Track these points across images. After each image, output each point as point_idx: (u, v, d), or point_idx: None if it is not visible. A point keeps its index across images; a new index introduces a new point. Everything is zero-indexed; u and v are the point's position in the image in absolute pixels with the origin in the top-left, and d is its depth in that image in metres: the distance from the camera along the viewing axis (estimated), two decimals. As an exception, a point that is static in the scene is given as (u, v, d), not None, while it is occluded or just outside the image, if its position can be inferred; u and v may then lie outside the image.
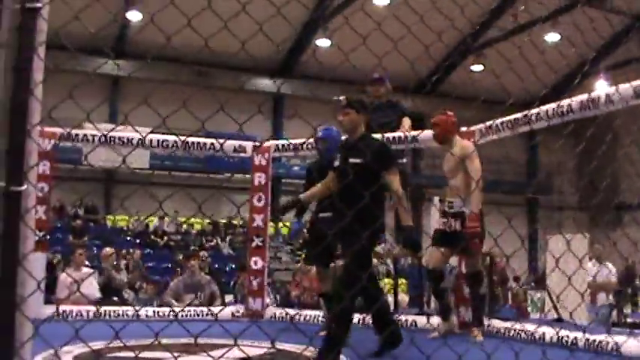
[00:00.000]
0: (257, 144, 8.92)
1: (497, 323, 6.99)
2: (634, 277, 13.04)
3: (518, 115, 6.82)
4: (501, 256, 12.91)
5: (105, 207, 23.32)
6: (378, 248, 8.66)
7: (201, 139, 8.82)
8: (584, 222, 24.90)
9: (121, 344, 4.38)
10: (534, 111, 6.62)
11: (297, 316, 8.32)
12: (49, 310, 7.52)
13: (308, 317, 8.25)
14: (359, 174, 4.73)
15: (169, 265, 18.43)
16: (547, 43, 21.61)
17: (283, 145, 9.02)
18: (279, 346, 5.55)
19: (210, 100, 19.51)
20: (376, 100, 8.26)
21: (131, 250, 16.78)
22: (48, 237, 8.22)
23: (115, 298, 9.69)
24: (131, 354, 4.24)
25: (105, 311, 7.91)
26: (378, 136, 6.35)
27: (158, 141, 8.51)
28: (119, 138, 8.38)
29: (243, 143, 8.83)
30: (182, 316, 8.18)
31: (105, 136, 8.38)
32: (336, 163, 5.38)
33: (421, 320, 7.62)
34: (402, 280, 12.90)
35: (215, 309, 8.59)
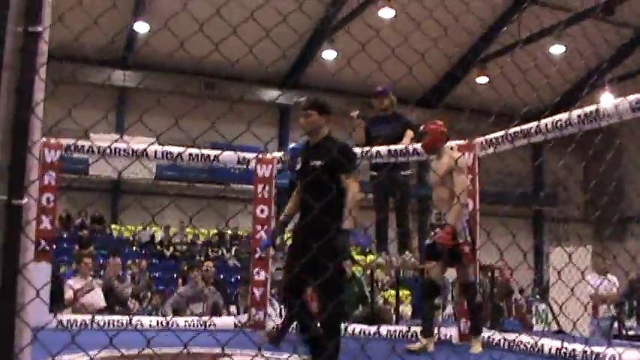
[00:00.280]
0: (260, 155, 9.00)
1: (497, 335, 7.05)
2: (638, 290, 13.05)
3: (517, 128, 6.87)
4: (505, 268, 12.94)
5: (111, 217, 23.45)
6: (380, 260, 8.74)
7: (205, 151, 8.88)
8: (589, 234, 24.90)
9: (120, 353, 4.47)
10: (533, 124, 6.67)
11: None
12: (54, 319, 7.63)
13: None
14: (320, 176, 4.70)
15: (175, 276, 18.51)
16: (552, 56, 21.69)
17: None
18: (276, 355, 5.62)
19: (216, 111, 19.69)
20: (380, 113, 8.36)
21: (137, 260, 16.87)
22: (54, 247, 8.31)
23: (118, 308, 9.75)
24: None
25: (108, 320, 7.99)
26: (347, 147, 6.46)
27: (162, 152, 8.60)
28: (124, 149, 8.47)
29: (247, 155, 8.90)
30: (184, 326, 8.24)
31: (110, 148, 8.46)
32: (298, 167, 5.34)
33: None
34: (406, 292, 12.98)
35: (217, 319, 8.67)
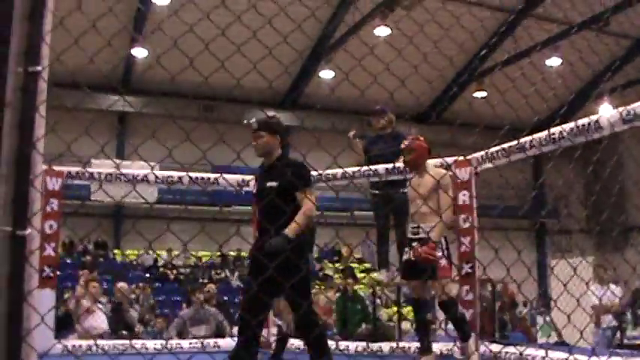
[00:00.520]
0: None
1: (494, 347, 7.12)
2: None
3: (513, 142, 6.95)
4: (509, 282, 12.98)
5: (114, 242, 23.52)
6: (382, 276, 8.81)
7: (203, 174, 8.99)
8: (591, 245, 24.95)
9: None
10: (528, 139, 6.76)
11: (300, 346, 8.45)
12: (59, 344, 7.70)
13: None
14: (277, 197, 4.64)
15: (179, 299, 18.56)
16: (548, 68, 21.83)
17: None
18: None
19: (216, 134, 19.80)
20: (379, 131, 8.45)
21: (141, 285, 16.93)
22: (58, 273, 8.39)
23: (125, 332, 9.84)
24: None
25: (112, 345, 8.07)
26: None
27: (163, 177, 8.71)
28: (125, 175, 8.58)
29: (247, 177, 9.00)
30: (189, 348, 8.32)
31: (110, 175, 8.57)
32: (254, 190, 5.31)
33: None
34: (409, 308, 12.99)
35: (221, 341, 8.74)
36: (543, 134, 6.57)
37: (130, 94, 22.95)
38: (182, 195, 22.52)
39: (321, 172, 8.51)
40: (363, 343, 8.24)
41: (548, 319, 13.55)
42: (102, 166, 8.90)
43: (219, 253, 22.86)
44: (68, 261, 19.19)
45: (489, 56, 22.82)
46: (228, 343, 8.75)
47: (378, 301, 11.66)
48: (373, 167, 8.11)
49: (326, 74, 23.33)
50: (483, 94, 24.11)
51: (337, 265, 22.78)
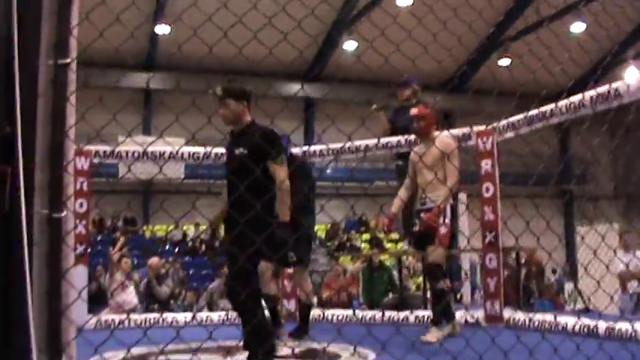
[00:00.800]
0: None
1: (520, 315, 7.24)
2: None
3: (535, 111, 7.00)
4: (536, 250, 12.98)
5: (143, 218, 23.80)
6: (407, 246, 8.91)
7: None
8: (617, 212, 24.81)
9: (157, 350, 4.73)
10: (550, 107, 6.81)
11: (326, 316, 8.62)
12: (93, 318, 7.94)
13: (337, 317, 8.57)
14: (245, 165, 4.43)
15: (208, 272, 18.77)
16: (573, 34, 21.63)
17: (305, 152, 9.31)
18: (307, 345, 5.82)
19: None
20: (404, 103, 8.49)
21: (170, 259, 17.17)
22: (89, 250, 8.61)
23: (156, 306, 10.06)
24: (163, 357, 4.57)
25: (144, 319, 8.27)
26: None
27: (189, 153, 8.86)
28: (152, 153, 8.73)
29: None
30: (218, 321, 8.50)
31: (138, 152, 8.74)
32: (224, 158, 5.14)
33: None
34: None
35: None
36: (564, 102, 6.62)
37: (154, 71, 23.10)
38: (209, 170, 22.68)
39: (346, 144, 8.62)
40: (389, 313, 8.37)
41: (574, 286, 13.57)
42: (129, 144, 9.03)
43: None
44: (98, 238, 19.48)
45: (513, 23, 22.64)
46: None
47: (405, 271, 11.77)
48: (398, 138, 8.21)
49: (349, 45, 23.31)
50: (507, 61, 23.97)
51: (365, 235, 22.95)
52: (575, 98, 6.47)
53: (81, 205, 8.02)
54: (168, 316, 8.65)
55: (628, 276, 10.86)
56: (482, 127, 7.83)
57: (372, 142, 8.59)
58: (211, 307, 10.48)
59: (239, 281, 4.38)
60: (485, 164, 7.63)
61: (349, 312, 8.72)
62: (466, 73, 24.93)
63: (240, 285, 4.30)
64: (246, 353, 4.50)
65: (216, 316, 8.72)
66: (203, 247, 21.55)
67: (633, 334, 5.68)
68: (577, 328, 6.25)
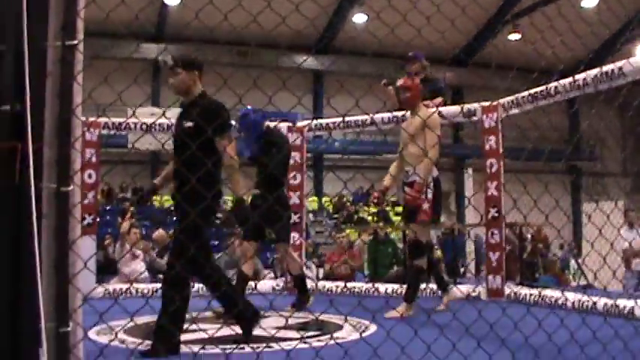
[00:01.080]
0: (291, 124, 9.31)
1: (520, 289, 7.35)
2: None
3: (539, 88, 7.05)
4: (542, 226, 13.05)
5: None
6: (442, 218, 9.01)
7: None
8: (622, 189, 24.80)
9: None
10: (552, 85, 6.86)
11: (329, 288, 8.76)
12: (100, 287, 8.09)
13: (339, 288, 8.71)
14: (191, 139, 4.18)
15: (217, 243, 18.90)
16: (584, 9, 21.53)
17: (316, 125, 9.40)
18: (312, 315, 5.93)
19: (250, 80, 19.83)
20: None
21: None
22: (97, 220, 8.73)
23: (160, 277, 10.19)
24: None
25: (151, 288, 8.41)
26: None
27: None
28: (160, 125, 8.83)
29: (279, 125, 9.19)
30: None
31: (147, 124, 8.84)
32: (173, 130, 4.98)
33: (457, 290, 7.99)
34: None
35: (258, 284, 9.06)
36: (567, 81, 6.66)
37: (163, 42, 23.13)
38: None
39: (355, 116, 8.69)
40: (394, 285, 8.49)
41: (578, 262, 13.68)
42: (138, 115, 9.09)
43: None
44: (107, 208, 19.64)
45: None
46: (262, 285, 9.07)
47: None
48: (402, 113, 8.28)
49: (359, 18, 23.27)
50: (518, 36, 23.89)
51: (371, 208, 23.07)
52: (580, 76, 6.51)
53: (89, 176, 8.15)
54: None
55: (632, 253, 10.95)
56: (487, 103, 7.89)
57: (379, 115, 8.65)
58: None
59: (174, 258, 4.33)
60: (490, 140, 7.71)
61: (351, 284, 8.85)
62: (476, 48, 24.86)
63: (175, 261, 4.25)
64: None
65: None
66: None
67: (633, 311, 5.76)
68: (577, 304, 6.34)
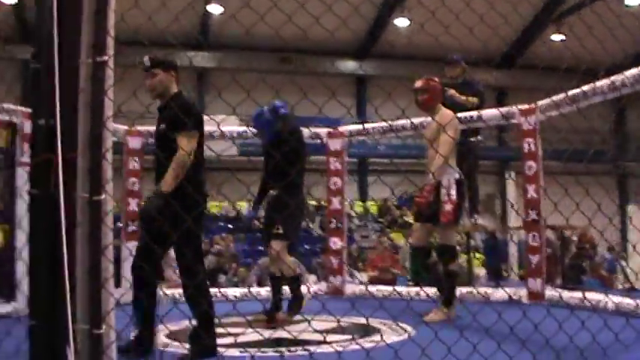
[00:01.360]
0: (332, 130, 9.40)
1: (561, 293, 7.32)
2: None
3: (576, 90, 7.00)
4: (582, 229, 12.95)
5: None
6: (481, 221, 8.99)
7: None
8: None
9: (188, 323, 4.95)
10: (588, 87, 6.82)
11: (372, 292, 8.81)
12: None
13: (383, 293, 8.75)
14: (163, 142, 4.25)
15: (262, 249, 19.02)
16: (628, 8, 21.23)
17: (356, 130, 9.48)
18: (352, 319, 5.99)
19: (294, 86, 19.90)
20: (452, 81, 8.55)
21: (224, 235, 17.48)
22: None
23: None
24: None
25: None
26: None
27: (238, 133, 9.12)
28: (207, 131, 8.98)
29: (318, 130, 9.30)
30: (266, 295, 8.72)
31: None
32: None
33: (497, 293, 7.99)
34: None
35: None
36: (604, 82, 6.61)
37: (207, 50, 23.37)
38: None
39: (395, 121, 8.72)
40: (432, 289, 8.50)
41: (623, 265, 13.52)
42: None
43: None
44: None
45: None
46: (303, 290, 9.15)
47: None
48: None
49: (401, 22, 23.26)
50: (562, 37, 23.63)
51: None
52: (617, 78, 6.46)
53: (133, 183, 8.33)
54: (216, 290, 8.90)
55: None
56: (525, 105, 7.89)
57: (420, 119, 8.65)
58: (261, 282, 10.73)
59: (139, 258, 4.32)
60: (528, 143, 7.70)
61: (391, 288, 8.90)
62: (519, 49, 24.67)
63: (139, 261, 4.26)
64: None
65: (264, 290, 8.94)
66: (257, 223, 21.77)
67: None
68: (620, 306, 6.31)
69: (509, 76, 25.00)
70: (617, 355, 3.80)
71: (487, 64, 23.69)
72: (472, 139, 8.39)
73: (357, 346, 4.65)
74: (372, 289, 8.96)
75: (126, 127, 8.45)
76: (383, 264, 10.85)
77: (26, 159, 6.41)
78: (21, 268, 6.57)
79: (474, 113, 8.08)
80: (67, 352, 2.21)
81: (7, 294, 6.74)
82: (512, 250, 12.12)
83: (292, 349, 4.46)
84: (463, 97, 8.13)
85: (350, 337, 5.31)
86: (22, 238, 6.42)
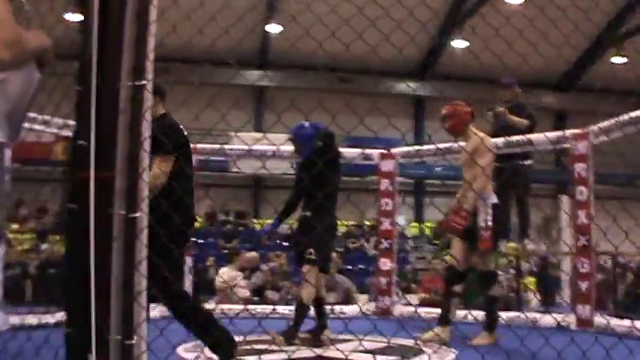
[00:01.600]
0: (384, 151, 9.45)
1: (613, 320, 7.21)
2: None
3: (626, 116, 6.95)
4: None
5: (253, 212, 24.41)
6: (530, 245, 8.93)
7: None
8: None
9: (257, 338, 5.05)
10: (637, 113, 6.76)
11: (420, 313, 8.80)
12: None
13: (431, 315, 8.72)
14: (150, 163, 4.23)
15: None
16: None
17: (408, 152, 9.52)
18: (401, 341, 6.01)
19: (352, 105, 19.95)
20: (504, 104, 8.53)
21: (278, 253, 17.59)
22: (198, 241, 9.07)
23: (256, 298, 10.48)
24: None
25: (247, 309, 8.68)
26: None
27: (291, 152, 9.21)
28: (257, 150, 9.16)
29: (370, 151, 9.37)
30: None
31: (244, 150, 9.16)
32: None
33: (545, 318, 7.91)
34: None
35: (346, 307, 9.20)
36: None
37: (266, 69, 23.65)
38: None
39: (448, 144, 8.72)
40: (482, 313, 8.45)
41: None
42: (242, 139, 9.28)
43: (354, 222, 23.28)
44: (210, 230, 20.16)
45: (628, 19, 21.96)
46: (354, 309, 9.21)
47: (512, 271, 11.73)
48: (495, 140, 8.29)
49: (459, 44, 23.22)
50: (623, 59, 23.27)
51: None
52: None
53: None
54: (268, 308, 9.04)
55: None
56: (578, 130, 7.84)
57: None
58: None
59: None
60: (579, 167, 7.64)
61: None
62: (579, 72, 24.38)
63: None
64: None
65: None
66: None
67: None
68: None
69: (569, 98, 24.73)
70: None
71: (545, 86, 23.53)
72: (522, 163, 8.34)
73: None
74: (421, 310, 8.94)
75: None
76: (434, 286, 10.79)
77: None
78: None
79: (524, 137, 8.04)
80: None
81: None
82: (564, 275, 11.94)
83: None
84: (516, 119, 8.11)
85: (398, 358, 5.35)
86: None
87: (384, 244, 9.17)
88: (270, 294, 11.71)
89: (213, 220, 21.10)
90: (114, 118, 2.45)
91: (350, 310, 9.14)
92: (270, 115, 23.57)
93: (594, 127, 7.64)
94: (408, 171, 20.54)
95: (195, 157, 8.66)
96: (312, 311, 6.52)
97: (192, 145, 8.66)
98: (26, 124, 6.83)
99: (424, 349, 5.83)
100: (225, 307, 8.82)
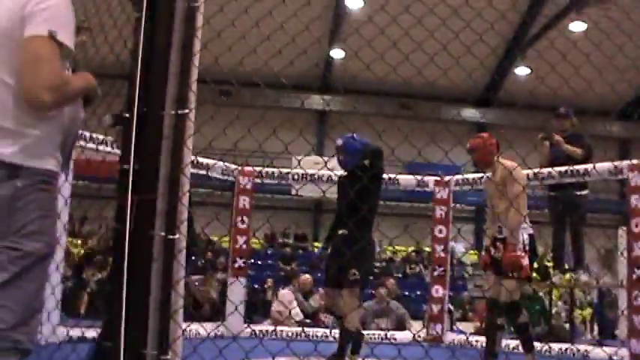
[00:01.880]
0: (439, 178, 9.48)
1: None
2: None
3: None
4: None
5: (313, 234, 24.54)
6: (584, 277, 8.84)
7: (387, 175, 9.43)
8: None
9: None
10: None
11: (470, 342, 8.76)
12: (248, 329, 8.47)
13: (482, 343, 8.67)
14: None
15: (372, 292, 19.08)
16: None
17: (463, 179, 9.51)
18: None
19: (414, 132, 19.96)
20: (560, 134, 8.47)
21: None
22: (251, 262, 9.21)
23: (308, 321, 10.55)
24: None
25: (295, 331, 8.77)
26: None
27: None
28: (313, 175, 9.29)
29: (426, 178, 9.41)
30: (368, 339, 8.82)
31: (299, 174, 9.29)
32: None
33: (596, 351, 7.81)
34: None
35: (398, 333, 9.21)
36: None
37: (329, 93, 23.86)
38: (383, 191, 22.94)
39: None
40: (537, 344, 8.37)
41: None
42: (302, 163, 9.43)
43: (414, 248, 23.21)
44: (269, 252, 20.36)
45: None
46: (406, 335, 9.22)
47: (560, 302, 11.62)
48: (547, 170, 8.26)
49: (521, 71, 23.07)
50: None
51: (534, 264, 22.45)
52: None
53: (242, 221, 8.64)
54: (319, 330, 9.10)
55: None
56: (635, 161, 7.75)
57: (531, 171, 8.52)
58: (365, 325, 10.80)
59: None
60: (635, 199, 7.55)
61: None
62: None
63: None
64: None
65: (365, 333, 9.03)
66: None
67: None
68: None
69: (634, 127, 24.33)
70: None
71: (607, 114, 23.18)
72: (578, 193, 8.28)
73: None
74: (472, 339, 8.91)
75: (238, 167, 8.81)
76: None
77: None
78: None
79: (580, 167, 7.99)
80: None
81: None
82: (622, 307, 11.69)
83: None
84: (571, 148, 8.07)
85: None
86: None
87: (437, 271, 9.16)
88: (323, 317, 11.77)
89: (272, 242, 21.31)
90: (157, 143, 2.59)
91: (401, 336, 9.14)
92: (331, 139, 23.73)
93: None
94: (468, 198, 20.44)
95: (250, 179, 8.92)
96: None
97: (251, 168, 8.96)
98: (91, 145, 7.11)
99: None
100: (279, 328, 8.93)
